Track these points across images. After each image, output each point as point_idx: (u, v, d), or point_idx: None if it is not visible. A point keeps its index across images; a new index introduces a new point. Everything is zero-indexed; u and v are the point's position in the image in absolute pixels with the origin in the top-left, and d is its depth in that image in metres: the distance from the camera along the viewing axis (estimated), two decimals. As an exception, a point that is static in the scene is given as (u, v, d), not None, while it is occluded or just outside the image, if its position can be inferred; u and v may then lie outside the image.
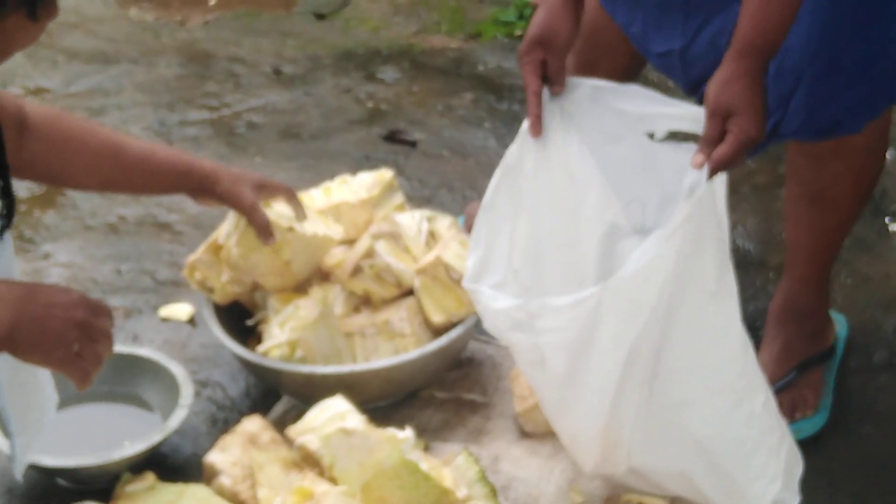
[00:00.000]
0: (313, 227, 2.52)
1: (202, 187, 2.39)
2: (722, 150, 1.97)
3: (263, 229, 2.41)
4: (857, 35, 2.19)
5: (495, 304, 2.12)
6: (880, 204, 3.15)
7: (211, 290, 2.56)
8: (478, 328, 2.55)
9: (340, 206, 2.66)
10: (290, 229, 2.46)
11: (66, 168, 2.21)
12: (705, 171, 1.95)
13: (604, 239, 2.21)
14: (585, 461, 2.31)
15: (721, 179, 2.01)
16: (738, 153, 1.98)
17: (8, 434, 1.96)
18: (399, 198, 2.73)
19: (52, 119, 2.19)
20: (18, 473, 2.03)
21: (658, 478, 2.26)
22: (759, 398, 2.17)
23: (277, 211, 2.47)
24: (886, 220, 3.13)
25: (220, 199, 2.40)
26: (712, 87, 2.01)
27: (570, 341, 2.08)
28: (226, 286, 2.54)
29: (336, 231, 2.56)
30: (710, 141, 1.98)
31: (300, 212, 2.49)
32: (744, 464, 2.17)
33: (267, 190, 2.45)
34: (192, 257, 2.56)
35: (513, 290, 2.17)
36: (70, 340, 1.73)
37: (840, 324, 2.71)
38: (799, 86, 2.22)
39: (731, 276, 2.09)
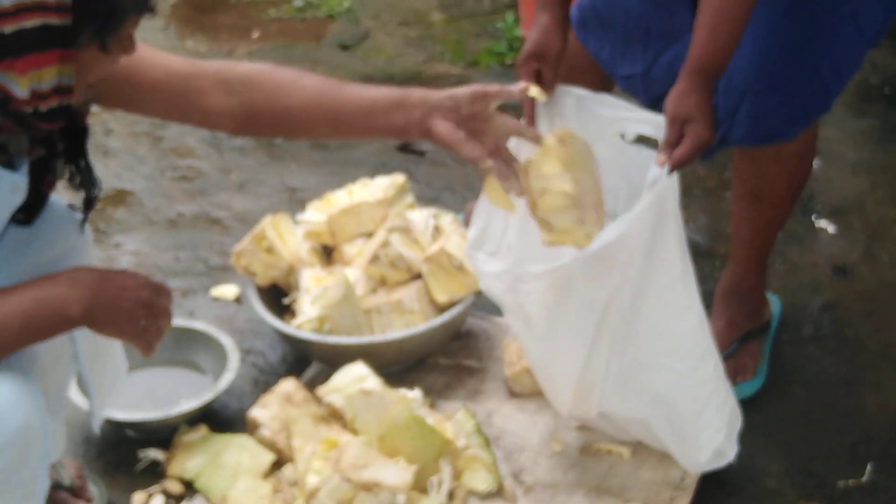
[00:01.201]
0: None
1: (426, 102, 1.86)
2: (680, 150, 1.98)
3: (505, 91, 1.91)
4: (791, 59, 2.19)
5: (487, 267, 2.12)
6: (808, 204, 3.13)
7: (254, 274, 2.55)
8: (475, 307, 2.55)
9: (361, 204, 2.66)
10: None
11: (287, 115, 1.89)
12: (666, 168, 1.97)
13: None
14: (562, 406, 2.31)
15: (676, 177, 2.01)
16: (693, 153, 1.99)
17: (87, 394, 1.95)
18: (410, 198, 2.73)
19: (263, 71, 1.91)
20: (96, 427, 2.02)
21: (623, 423, 2.26)
22: (711, 363, 2.17)
23: None
24: (813, 217, 3.11)
25: (450, 98, 1.86)
26: (671, 100, 2.02)
27: (548, 302, 2.09)
28: (266, 270, 2.54)
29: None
30: (670, 143, 2.00)
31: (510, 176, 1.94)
32: (695, 417, 2.17)
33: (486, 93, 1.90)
34: (237, 247, 2.55)
35: (506, 259, 2.17)
36: (138, 317, 1.71)
37: (774, 303, 2.70)
38: (744, 101, 2.21)
39: (689, 260, 2.09)
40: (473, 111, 1.87)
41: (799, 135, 2.30)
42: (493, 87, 1.88)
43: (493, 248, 2.19)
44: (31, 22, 1.52)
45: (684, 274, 2.09)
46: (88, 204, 1.86)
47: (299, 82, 1.91)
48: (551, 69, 2.19)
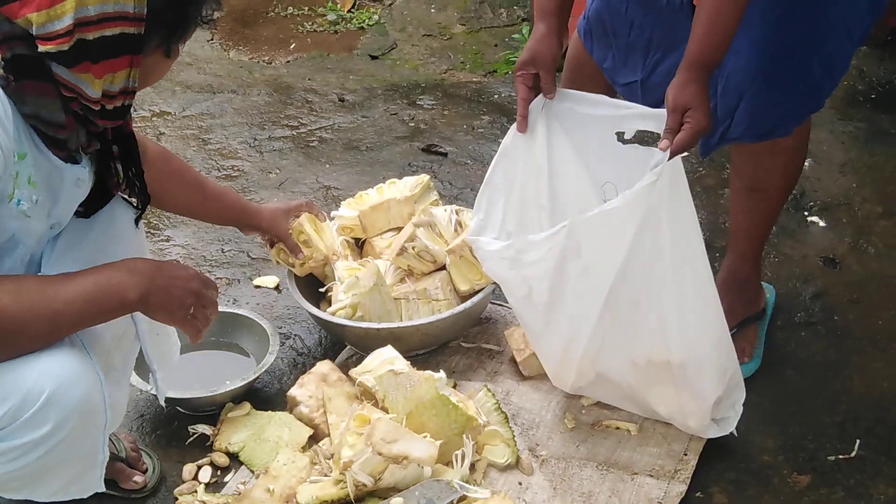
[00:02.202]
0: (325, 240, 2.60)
1: (251, 225, 2.46)
2: (681, 136, 1.99)
3: (294, 250, 2.50)
4: (785, 61, 2.18)
5: (490, 247, 2.14)
6: (800, 201, 3.12)
7: (292, 266, 2.56)
8: (494, 295, 2.55)
9: (390, 201, 2.66)
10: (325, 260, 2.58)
11: (166, 194, 2.18)
12: (667, 153, 1.97)
13: (579, 213, 2.21)
14: (565, 381, 2.31)
15: (679, 162, 2.01)
16: (693, 139, 2.00)
17: (148, 372, 1.96)
18: (434, 196, 2.72)
19: (163, 156, 2.19)
20: (162, 399, 2.03)
21: (629, 390, 2.25)
22: (716, 334, 2.16)
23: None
24: (805, 213, 3.10)
25: (265, 232, 2.49)
26: (671, 91, 2.02)
27: (550, 270, 2.09)
28: (299, 265, 2.55)
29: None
30: (672, 130, 2.00)
31: (321, 216, 2.59)
32: (700, 383, 2.17)
33: (294, 211, 2.52)
34: (276, 246, 2.55)
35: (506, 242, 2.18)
36: (188, 305, 1.73)
37: (769, 292, 2.69)
38: (742, 101, 2.21)
39: (700, 237, 2.08)
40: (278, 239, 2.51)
41: (794, 131, 2.29)
42: (290, 244, 2.50)
43: (493, 235, 2.21)
44: (111, 30, 1.54)
45: (695, 249, 2.08)
46: (142, 207, 1.88)
47: (182, 176, 2.27)
48: (548, 74, 2.19)
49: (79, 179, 1.72)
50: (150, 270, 1.68)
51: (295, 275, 2.57)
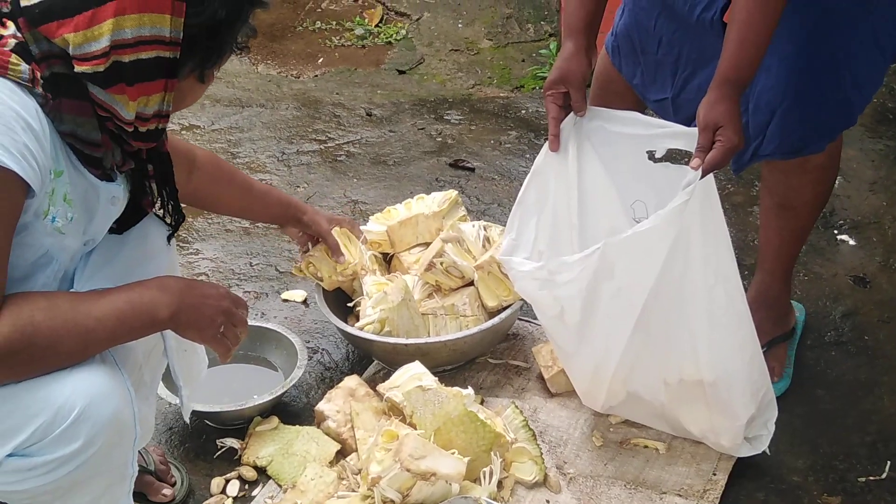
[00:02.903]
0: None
1: (295, 217, 2.47)
2: (713, 154, 1.98)
3: (335, 249, 2.51)
4: (815, 77, 2.17)
5: (523, 268, 2.14)
6: (830, 219, 3.10)
7: (320, 279, 2.56)
8: (521, 311, 2.55)
9: (418, 216, 2.66)
10: (354, 275, 2.58)
11: (219, 198, 2.30)
12: (699, 171, 1.96)
13: (609, 233, 2.20)
14: (596, 400, 2.30)
15: (712, 180, 2.00)
16: (725, 157, 1.99)
17: (176, 387, 1.96)
18: (462, 211, 2.72)
19: (213, 160, 2.26)
20: (186, 416, 2.03)
21: (661, 409, 2.24)
22: (749, 352, 2.15)
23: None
24: (835, 232, 3.08)
25: (306, 225, 2.48)
26: (702, 109, 2.01)
27: (583, 290, 2.09)
28: (331, 275, 2.54)
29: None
30: (703, 148, 1.99)
31: (358, 234, 2.60)
32: (732, 401, 2.16)
33: (336, 222, 2.55)
34: (306, 256, 2.55)
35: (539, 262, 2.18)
36: (218, 324, 1.73)
37: (799, 310, 2.68)
38: (773, 118, 2.20)
39: (732, 254, 2.07)
40: (315, 234, 2.52)
41: (825, 148, 2.28)
42: (333, 245, 2.51)
43: (525, 255, 2.20)
44: (147, 54, 1.55)
45: (728, 266, 2.07)
46: (175, 225, 1.89)
47: (231, 178, 2.33)
48: (577, 92, 2.19)
49: (114, 197, 1.73)
50: (181, 289, 1.68)
51: (323, 289, 2.57)
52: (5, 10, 1.58)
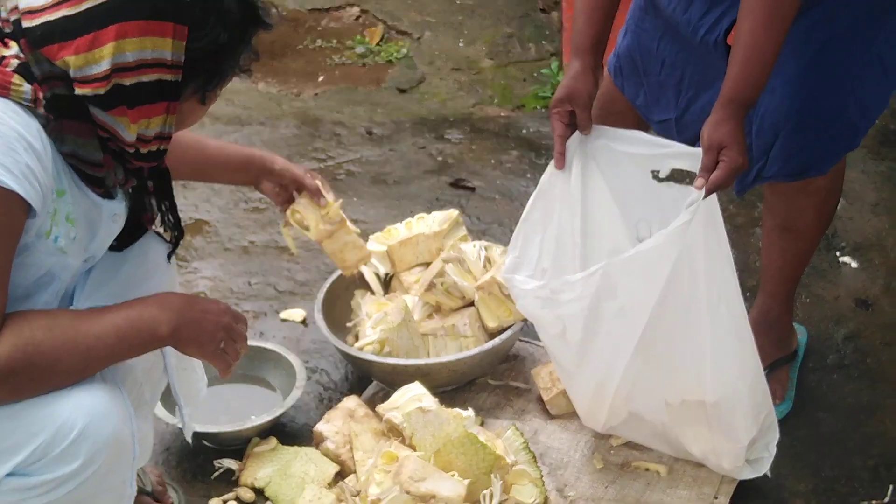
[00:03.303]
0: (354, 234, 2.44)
1: (266, 169, 2.25)
2: (717, 174, 1.99)
3: (315, 191, 2.30)
4: (820, 100, 2.18)
5: (526, 286, 2.15)
6: (832, 241, 3.11)
7: (307, 229, 2.36)
8: (522, 332, 2.55)
9: (418, 236, 2.66)
10: (342, 221, 2.39)
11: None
12: (703, 191, 1.97)
13: (611, 252, 2.21)
14: (597, 420, 2.31)
15: (715, 200, 2.01)
16: (729, 177, 2.00)
17: (177, 406, 1.96)
18: (463, 231, 2.73)
19: None
20: (188, 436, 2.04)
21: (662, 429, 2.24)
22: (751, 374, 2.16)
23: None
24: (837, 254, 3.08)
25: (279, 175, 2.26)
26: (706, 129, 2.02)
27: (585, 309, 2.10)
28: (318, 224, 2.35)
29: (367, 252, 2.50)
30: (707, 168, 2.00)
31: (327, 190, 2.36)
32: (733, 422, 2.17)
33: (310, 172, 2.33)
34: (291, 206, 2.34)
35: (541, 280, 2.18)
36: (218, 340, 1.73)
37: (801, 333, 2.68)
38: (777, 140, 2.21)
39: (734, 274, 2.08)
40: (289, 184, 2.29)
41: (829, 170, 2.28)
42: (310, 185, 2.30)
43: (528, 273, 2.21)
44: (148, 77, 1.56)
45: (730, 287, 2.08)
46: (175, 242, 1.89)
47: (177, 138, 2.05)
48: (583, 111, 2.20)
49: (115, 215, 1.74)
50: (181, 305, 1.69)
51: (323, 307, 2.56)
52: (7, 30, 1.59)
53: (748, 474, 2.24)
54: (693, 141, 2.13)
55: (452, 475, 2.09)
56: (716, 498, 2.24)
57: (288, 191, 2.31)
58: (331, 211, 2.35)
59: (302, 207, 2.33)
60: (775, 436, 2.24)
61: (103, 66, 1.53)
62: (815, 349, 2.69)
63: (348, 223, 2.41)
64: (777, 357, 2.53)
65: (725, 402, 2.13)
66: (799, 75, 2.15)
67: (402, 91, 4.18)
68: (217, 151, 2.20)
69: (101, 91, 1.55)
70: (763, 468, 2.24)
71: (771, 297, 2.54)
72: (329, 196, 2.36)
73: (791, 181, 2.28)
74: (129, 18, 1.53)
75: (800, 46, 2.11)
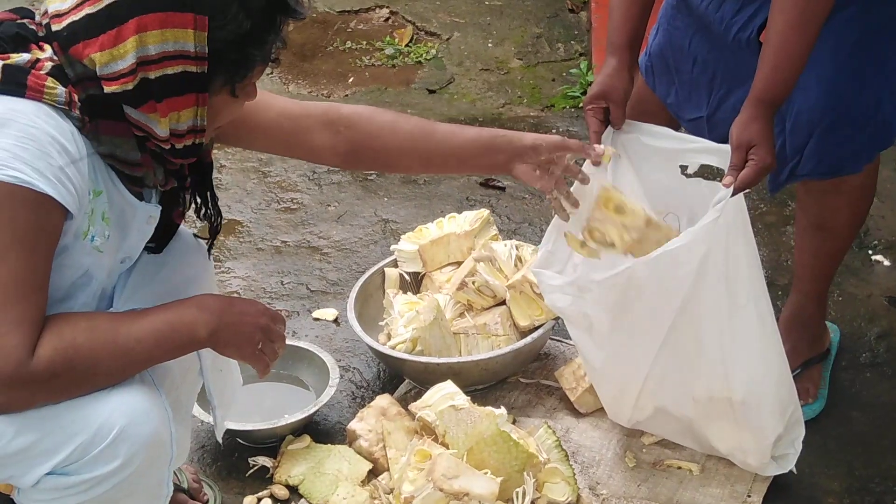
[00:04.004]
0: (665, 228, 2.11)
1: (512, 149, 2.00)
2: (745, 173, 1.98)
3: (584, 149, 2.05)
4: (855, 97, 2.16)
5: (553, 282, 2.15)
6: (864, 239, 3.08)
7: (612, 245, 2.10)
8: (553, 331, 2.54)
9: (450, 236, 2.67)
10: (648, 220, 2.08)
11: (385, 154, 1.98)
12: (731, 189, 1.97)
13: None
14: (622, 415, 2.30)
15: (742, 199, 2.00)
16: (757, 176, 1.99)
17: (210, 406, 1.97)
18: (493, 230, 2.73)
19: (364, 114, 1.97)
20: (219, 436, 2.05)
21: (687, 423, 2.24)
22: (776, 371, 2.15)
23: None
24: (869, 252, 3.05)
25: (534, 151, 2.00)
26: (735, 127, 2.02)
27: (611, 307, 2.10)
28: (622, 234, 2.09)
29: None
30: (736, 167, 2.00)
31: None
32: (759, 419, 2.15)
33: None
34: (587, 223, 2.08)
35: (571, 276, 2.18)
36: (256, 341, 1.73)
37: (834, 331, 2.66)
38: (811, 138, 2.19)
39: (760, 272, 2.07)
40: (551, 158, 2.03)
41: (863, 168, 2.26)
42: (573, 143, 2.04)
43: (559, 268, 2.21)
44: (172, 69, 1.56)
45: (756, 285, 2.07)
46: (213, 232, 1.89)
47: (396, 126, 2.00)
48: (618, 108, 2.19)
49: (150, 217, 1.75)
50: (219, 307, 1.69)
51: (357, 307, 2.55)
52: (41, 33, 1.60)
53: (774, 471, 2.23)
54: (724, 139, 2.12)
55: (485, 473, 2.08)
56: (749, 496, 2.22)
57: (550, 171, 2.03)
58: (630, 215, 2.05)
59: (599, 223, 2.06)
60: (801, 432, 2.23)
61: (128, 61, 1.54)
62: (848, 347, 2.67)
63: (654, 217, 2.09)
64: (810, 356, 2.51)
65: (751, 400, 2.13)
66: (834, 73, 2.13)
67: (432, 92, 4.19)
68: (448, 137, 1.99)
69: (130, 87, 1.55)
70: (789, 465, 2.23)
71: (804, 296, 2.52)
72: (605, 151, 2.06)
73: (825, 179, 2.26)
74: (149, 11, 1.53)
75: (834, 44, 2.09)
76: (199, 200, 1.86)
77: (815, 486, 2.29)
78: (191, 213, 1.88)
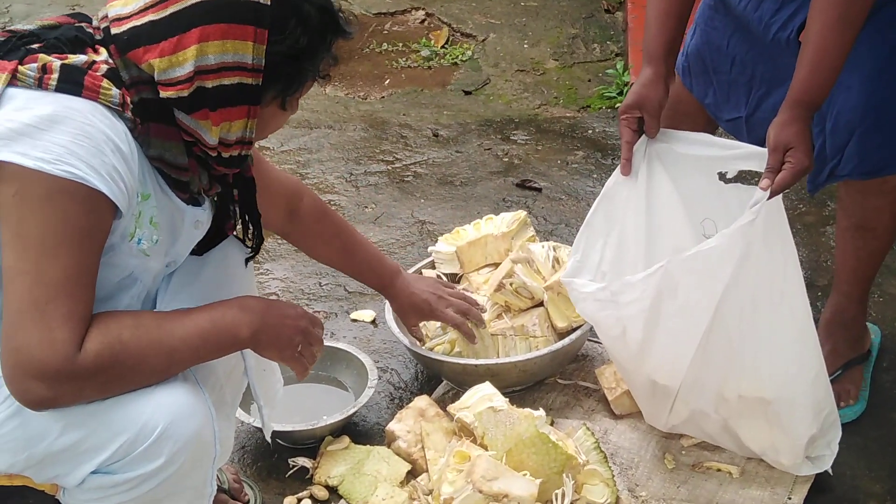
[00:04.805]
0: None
1: (397, 297, 2.45)
2: (783, 175, 1.98)
3: (466, 334, 2.47)
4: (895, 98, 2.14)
5: (585, 289, 2.15)
6: (905, 239, 3.04)
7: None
8: (591, 332, 2.53)
9: (487, 237, 2.66)
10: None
11: (312, 249, 2.36)
12: (768, 191, 1.96)
13: (675, 250, 2.18)
14: (659, 419, 2.29)
15: (780, 200, 2.00)
16: (794, 178, 1.99)
17: (256, 406, 1.99)
18: (531, 231, 2.72)
19: (317, 215, 2.28)
20: (268, 435, 2.06)
21: (721, 423, 2.23)
22: (813, 371, 2.15)
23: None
24: (910, 251, 3.03)
25: (408, 311, 2.48)
26: (773, 130, 2.01)
27: (645, 309, 2.09)
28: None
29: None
30: (773, 169, 1.99)
31: (479, 322, 2.48)
32: (794, 419, 2.15)
33: (443, 302, 2.47)
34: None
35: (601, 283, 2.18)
36: (296, 343, 1.75)
37: (875, 332, 2.63)
38: (852, 138, 2.17)
39: (799, 276, 2.06)
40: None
41: None
42: (449, 319, 2.44)
43: (589, 277, 2.21)
44: (229, 80, 1.58)
45: (794, 286, 2.06)
46: (255, 249, 1.91)
47: (332, 238, 2.33)
48: (652, 118, 2.18)
49: (197, 221, 1.77)
50: (261, 309, 1.70)
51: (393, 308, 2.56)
52: (98, 37, 1.62)
53: (808, 470, 2.22)
54: (763, 140, 2.10)
55: (524, 475, 2.08)
56: (789, 498, 2.21)
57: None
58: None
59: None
60: (838, 434, 2.22)
61: (187, 69, 1.56)
62: (889, 349, 2.64)
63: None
64: (851, 357, 2.49)
65: (785, 400, 2.12)
66: (874, 73, 2.11)
67: (468, 93, 4.19)
68: (359, 263, 2.39)
69: (185, 93, 1.57)
70: (825, 465, 2.21)
71: (845, 297, 2.50)
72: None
73: (866, 179, 2.24)
74: (212, 22, 1.56)
75: (875, 44, 2.07)
76: (246, 217, 1.88)
77: (856, 488, 2.26)
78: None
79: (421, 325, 2.58)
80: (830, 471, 2.22)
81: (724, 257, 2.00)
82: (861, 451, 2.32)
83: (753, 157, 2.09)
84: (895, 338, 2.68)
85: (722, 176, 2.19)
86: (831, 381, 2.38)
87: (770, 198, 1.96)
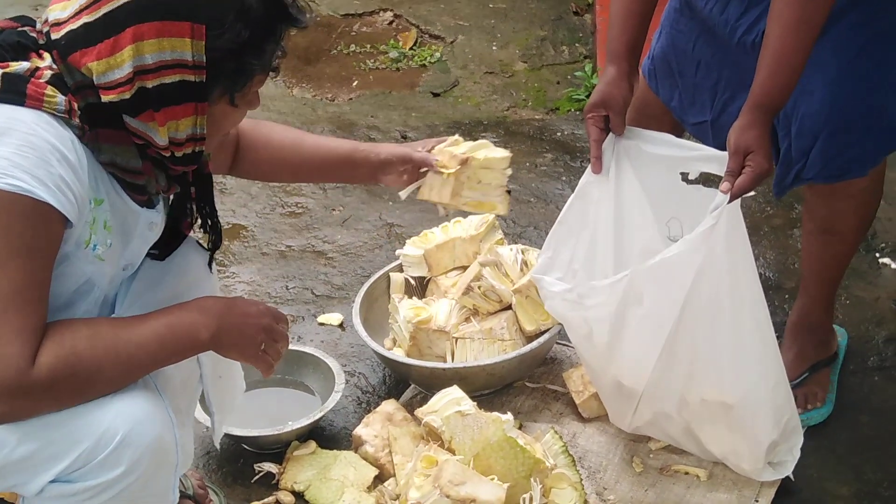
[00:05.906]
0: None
1: (370, 164, 2.12)
2: (742, 179, 1.98)
3: (427, 161, 2.14)
4: (860, 101, 2.15)
5: (554, 288, 2.16)
6: (872, 242, 3.06)
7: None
8: (559, 335, 2.53)
9: (455, 240, 2.66)
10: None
11: (258, 164, 2.10)
12: (728, 195, 1.97)
13: (642, 252, 2.19)
14: (623, 420, 2.30)
15: (738, 204, 2.00)
16: (754, 182, 1.99)
17: (209, 413, 1.97)
18: (499, 234, 2.71)
19: (244, 127, 2.05)
20: (216, 441, 2.04)
21: (684, 427, 2.24)
22: (773, 379, 2.16)
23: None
24: (877, 255, 3.04)
25: (387, 163, 2.13)
26: (733, 133, 2.01)
27: (611, 314, 2.10)
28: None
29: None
30: (733, 172, 2.00)
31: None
32: (755, 426, 2.15)
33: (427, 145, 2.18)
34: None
35: (572, 282, 2.19)
36: (259, 341, 1.73)
37: (841, 335, 2.65)
38: (817, 142, 2.18)
39: (757, 281, 2.07)
40: (406, 163, 2.14)
41: (868, 172, 2.25)
42: (417, 156, 2.14)
43: (560, 275, 2.21)
44: (170, 78, 1.55)
45: (753, 291, 2.07)
46: (213, 247, 1.89)
47: (270, 139, 2.09)
48: (618, 116, 2.19)
49: (152, 223, 1.74)
50: (220, 309, 1.68)
51: (361, 312, 2.54)
52: (42, 41, 1.59)
53: (769, 476, 2.23)
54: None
55: (492, 479, 2.07)
56: (756, 501, 2.21)
57: (410, 173, 2.16)
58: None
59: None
60: (799, 440, 2.23)
61: (125, 70, 1.53)
62: (856, 351, 2.66)
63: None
64: (817, 360, 2.50)
65: (746, 405, 2.13)
66: (839, 77, 2.12)
67: (436, 95, 4.18)
68: (314, 150, 2.11)
69: (127, 95, 1.55)
70: (786, 471, 2.23)
71: (811, 300, 2.51)
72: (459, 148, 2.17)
73: (831, 183, 2.26)
74: (146, 20, 1.52)
75: (840, 48, 2.08)
76: (205, 210, 1.85)
77: (823, 490, 2.28)
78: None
79: (389, 325, 2.57)
80: (792, 476, 2.23)
81: (685, 264, 2.01)
82: (828, 453, 2.33)
83: (714, 159, 2.11)
84: (862, 340, 2.70)
85: (684, 176, 2.20)
86: (798, 384, 2.41)
87: (730, 201, 1.97)
